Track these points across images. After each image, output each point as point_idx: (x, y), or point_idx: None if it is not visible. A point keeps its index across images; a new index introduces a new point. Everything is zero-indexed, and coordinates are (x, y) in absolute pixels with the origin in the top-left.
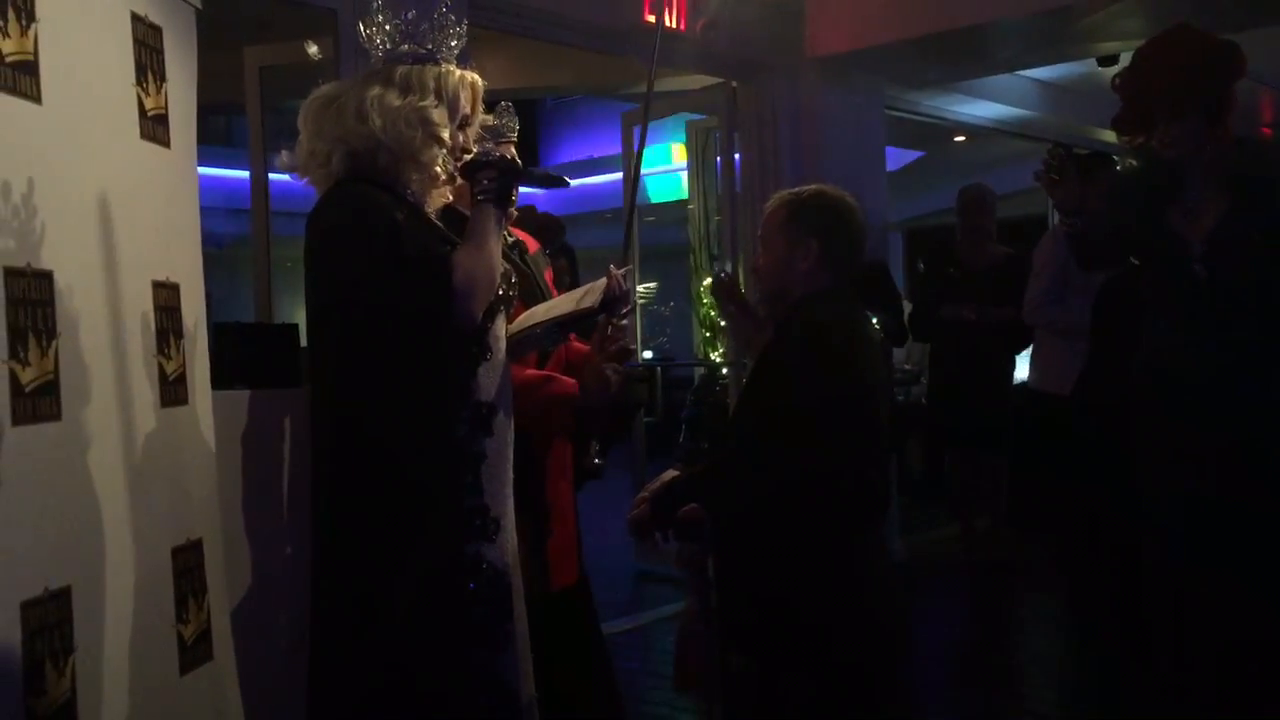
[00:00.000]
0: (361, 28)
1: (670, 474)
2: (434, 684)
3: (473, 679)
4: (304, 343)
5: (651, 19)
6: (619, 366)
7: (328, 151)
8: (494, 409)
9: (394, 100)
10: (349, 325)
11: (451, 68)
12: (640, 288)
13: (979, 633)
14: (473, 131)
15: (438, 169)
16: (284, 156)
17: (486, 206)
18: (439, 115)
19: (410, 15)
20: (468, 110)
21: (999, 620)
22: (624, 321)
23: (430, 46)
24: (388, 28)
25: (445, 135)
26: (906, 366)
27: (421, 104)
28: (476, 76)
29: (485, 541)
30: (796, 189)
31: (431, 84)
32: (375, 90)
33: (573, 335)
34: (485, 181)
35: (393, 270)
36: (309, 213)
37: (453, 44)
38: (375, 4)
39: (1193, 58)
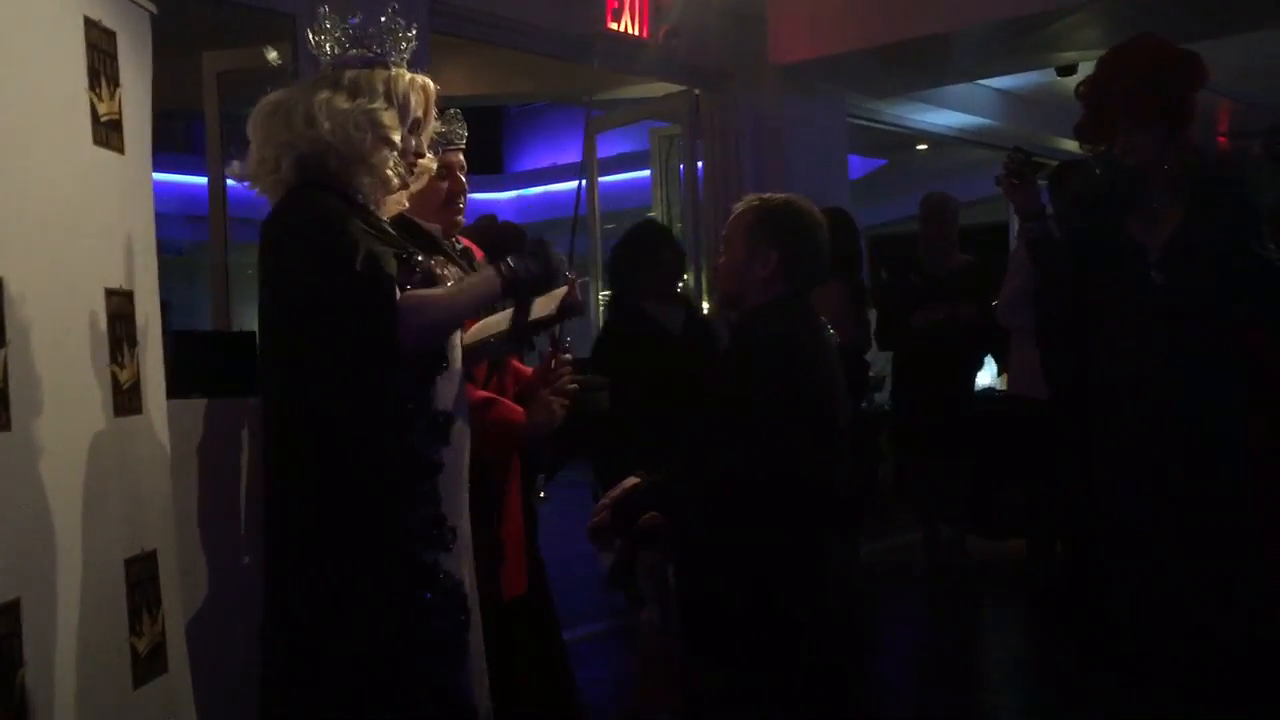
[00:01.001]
0: (310, 35)
1: (631, 481)
2: (390, 695)
3: (429, 690)
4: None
5: (615, 26)
6: (564, 400)
7: (276, 157)
8: (451, 419)
9: (342, 103)
10: (302, 333)
11: (402, 71)
12: None
13: (940, 639)
14: (426, 135)
15: (388, 171)
16: (235, 166)
17: (497, 280)
18: (389, 118)
19: (357, 19)
20: (420, 114)
21: (960, 626)
22: (568, 355)
23: (379, 50)
24: (336, 33)
25: (396, 137)
26: (870, 374)
27: (371, 106)
28: (428, 81)
29: (442, 551)
30: (768, 195)
31: (381, 87)
32: (324, 94)
33: (518, 362)
34: (519, 265)
35: (341, 287)
36: (264, 219)
37: (402, 47)
38: (322, 10)
39: (1154, 66)
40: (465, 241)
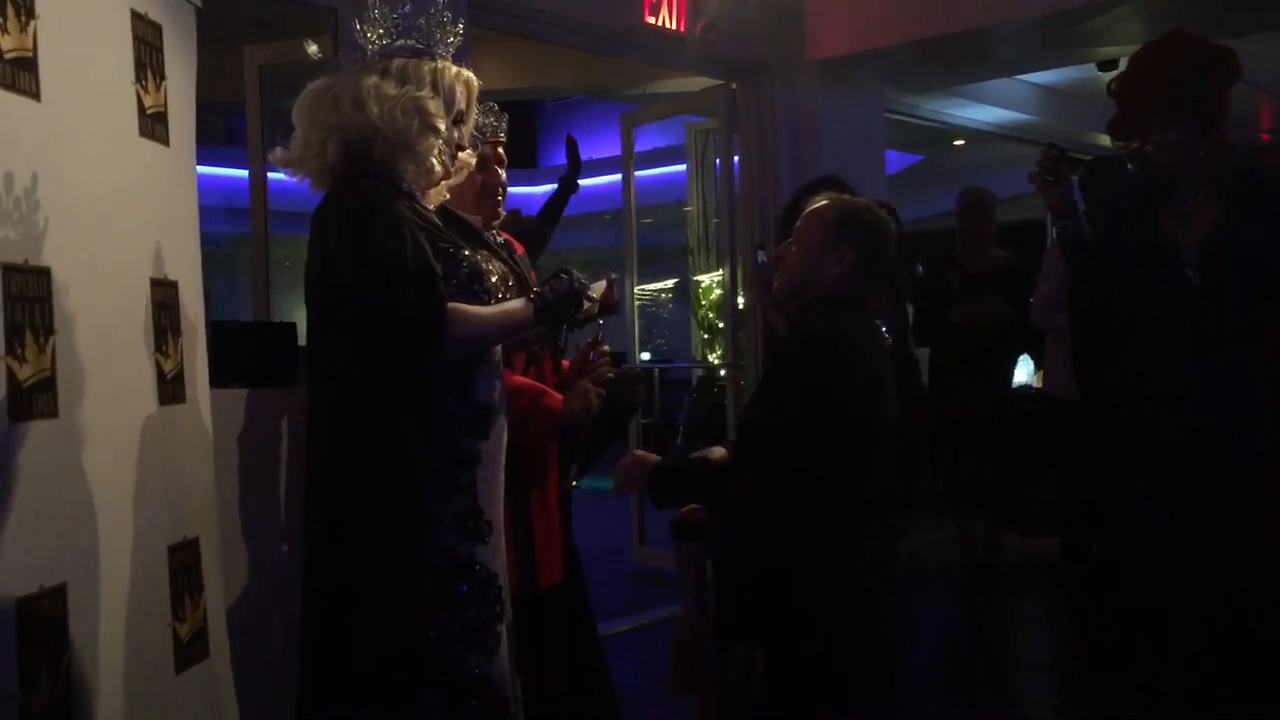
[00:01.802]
0: (357, 24)
1: (721, 450)
2: (425, 684)
3: (463, 679)
4: (302, 341)
5: (652, 20)
6: (600, 390)
7: (323, 140)
8: (490, 412)
9: (391, 90)
10: (348, 324)
11: (448, 63)
12: None
13: (974, 635)
14: (467, 129)
15: (433, 160)
16: (278, 152)
17: (529, 306)
18: (435, 106)
19: (407, 10)
20: (463, 106)
21: (993, 623)
22: (605, 346)
23: (426, 41)
24: (385, 23)
25: (441, 126)
26: None
27: (418, 94)
28: (472, 75)
29: (478, 543)
30: (849, 196)
31: (428, 77)
32: (372, 80)
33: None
34: (545, 289)
35: (392, 282)
36: (316, 206)
37: (449, 41)
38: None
39: (1186, 63)
40: (505, 235)
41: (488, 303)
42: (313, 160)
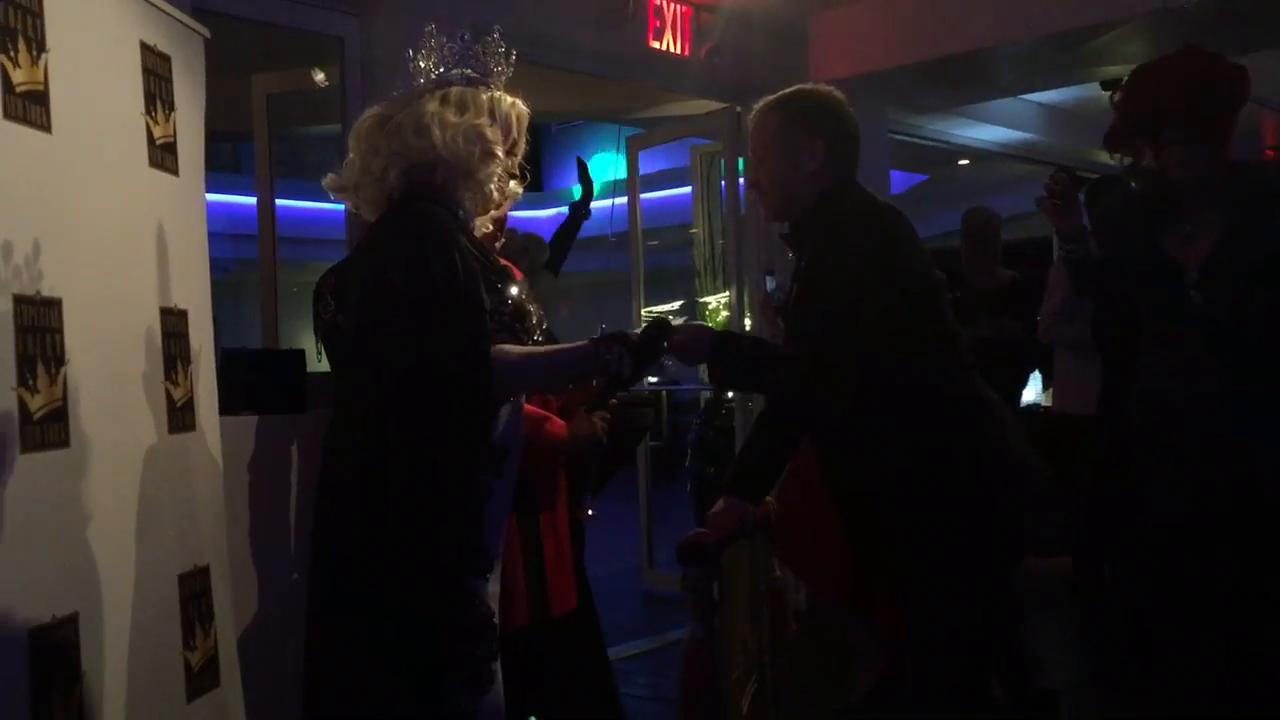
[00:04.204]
0: (411, 53)
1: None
2: (417, 713)
3: (451, 713)
4: (310, 368)
5: (657, 45)
6: (605, 415)
7: (384, 166)
8: (507, 451)
9: (452, 117)
10: (390, 350)
11: (503, 94)
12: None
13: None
14: (515, 161)
15: (491, 188)
16: (330, 178)
17: (592, 361)
18: (494, 134)
19: (466, 38)
20: (515, 136)
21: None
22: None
23: (482, 71)
24: (442, 51)
25: (500, 153)
26: None
27: (477, 122)
28: (523, 106)
29: (480, 579)
30: (782, 91)
31: (486, 105)
32: (432, 107)
33: None
34: (614, 358)
35: (442, 318)
36: (371, 225)
37: (503, 71)
38: (429, 28)
39: (1204, 80)
40: (504, 261)
41: (525, 342)
42: (372, 186)
